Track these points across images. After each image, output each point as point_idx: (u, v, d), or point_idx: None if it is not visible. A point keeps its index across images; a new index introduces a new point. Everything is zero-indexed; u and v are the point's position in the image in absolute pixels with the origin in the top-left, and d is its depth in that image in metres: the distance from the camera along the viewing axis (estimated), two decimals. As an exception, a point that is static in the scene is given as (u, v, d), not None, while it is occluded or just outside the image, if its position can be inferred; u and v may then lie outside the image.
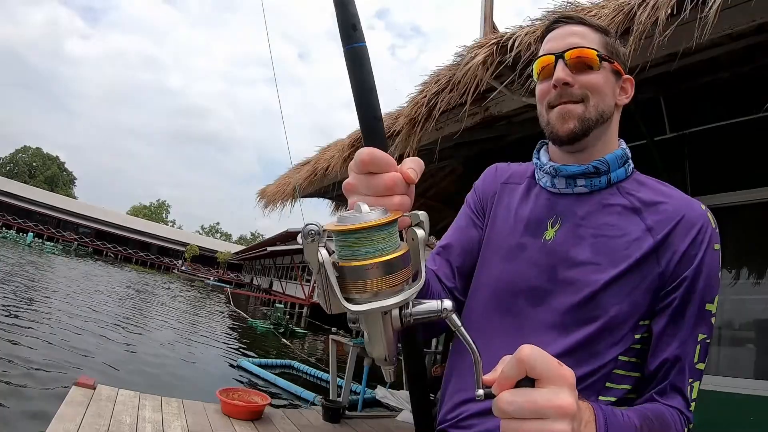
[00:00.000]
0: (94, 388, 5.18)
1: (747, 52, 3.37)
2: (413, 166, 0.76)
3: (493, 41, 3.54)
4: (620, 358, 1.09)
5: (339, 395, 7.19)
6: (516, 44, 3.31)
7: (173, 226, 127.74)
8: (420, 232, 0.73)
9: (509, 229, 1.28)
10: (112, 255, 75.01)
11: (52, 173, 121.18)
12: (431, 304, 0.75)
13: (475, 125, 4.50)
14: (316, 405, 8.18)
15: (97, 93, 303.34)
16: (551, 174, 1.24)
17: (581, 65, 1.17)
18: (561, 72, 1.16)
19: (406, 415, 6.81)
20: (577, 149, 1.21)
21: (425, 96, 4.19)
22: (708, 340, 1.08)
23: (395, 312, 0.71)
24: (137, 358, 10.75)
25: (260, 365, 11.67)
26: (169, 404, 5.45)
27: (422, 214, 0.74)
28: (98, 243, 76.01)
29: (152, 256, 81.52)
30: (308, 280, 32.54)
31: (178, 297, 31.05)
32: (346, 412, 6.41)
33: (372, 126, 0.83)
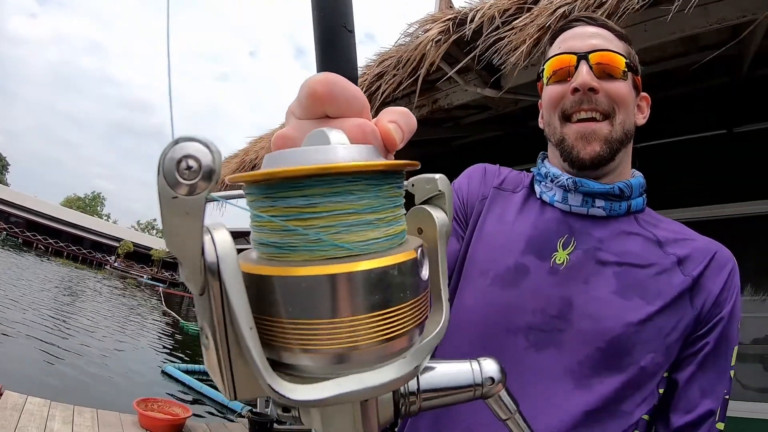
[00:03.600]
0: (1, 394, 4.84)
1: (704, 67, 3.34)
2: (396, 118, 0.39)
3: (449, 16, 3.05)
4: (643, 418, 0.92)
5: (268, 407, 6.82)
6: (477, 17, 2.86)
7: (108, 220, 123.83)
8: (440, 216, 0.41)
9: (504, 244, 1.05)
10: (42, 247, 72.10)
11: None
12: (458, 370, 0.48)
13: (421, 120, 3.94)
14: (243, 416, 7.88)
15: (38, 76, 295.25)
16: (566, 188, 1.04)
17: (606, 72, 1.00)
18: (586, 75, 0.98)
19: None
20: (599, 174, 1.03)
21: (365, 79, 3.66)
22: (728, 397, 0.94)
23: (386, 395, 0.43)
24: (55, 359, 10.26)
25: (186, 371, 11.20)
26: (82, 415, 5.15)
27: (441, 179, 0.43)
28: (29, 234, 72.93)
29: (84, 251, 78.57)
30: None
31: (107, 295, 29.98)
32: (275, 425, 6.11)
33: (336, 37, 0.41)
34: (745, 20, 2.27)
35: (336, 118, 0.37)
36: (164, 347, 15.53)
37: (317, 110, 0.37)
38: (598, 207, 1.02)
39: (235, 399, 0.33)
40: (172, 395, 8.81)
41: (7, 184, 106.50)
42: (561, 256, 0.99)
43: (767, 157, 3.49)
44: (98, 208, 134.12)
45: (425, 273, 0.36)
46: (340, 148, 0.32)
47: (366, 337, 0.31)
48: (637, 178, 1.07)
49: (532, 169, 1.17)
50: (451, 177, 1.20)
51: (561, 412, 0.89)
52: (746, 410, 3.51)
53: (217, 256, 0.29)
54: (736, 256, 1.01)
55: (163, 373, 11.34)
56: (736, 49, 3.08)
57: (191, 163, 0.26)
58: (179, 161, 0.26)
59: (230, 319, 0.30)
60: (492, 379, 0.48)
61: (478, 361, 0.49)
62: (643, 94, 1.09)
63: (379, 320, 0.31)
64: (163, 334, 19.00)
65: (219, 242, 0.30)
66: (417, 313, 0.34)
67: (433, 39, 3.01)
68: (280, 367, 0.32)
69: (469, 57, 2.97)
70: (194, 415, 5.87)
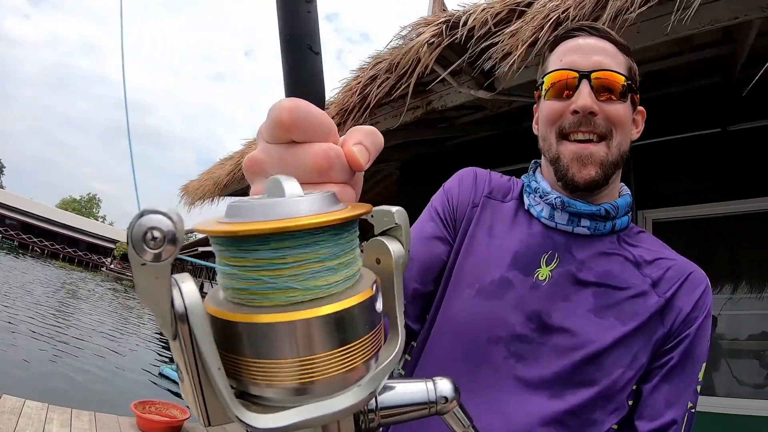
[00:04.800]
0: (-3, 399, 4.84)
1: (698, 67, 3.35)
2: (362, 139, 0.42)
3: (442, 19, 3.06)
4: (613, 427, 0.97)
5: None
6: (469, 20, 2.87)
7: (104, 222, 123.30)
8: (396, 248, 0.45)
9: (491, 258, 1.07)
10: (38, 250, 71.95)
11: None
12: (414, 389, 0.50)
13: (415, 121, 4.09)
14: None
15: (33, 77, 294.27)
16: (554, 206, 1.05)
17: (606, 91, 1.00)
18: (588, 98, 0.98)
19: None
20: (591, 195, 1.05)
21: (359, 82, 3.66)
22: (694, 411, 0.98)
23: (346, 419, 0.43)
24: (52, 363, 10.24)
25: (184, 373, 11.08)
26: (80, 418, 5.15)
27: (398, 212, 0.46)
28: (24, 236, 72.69)
29: (80, 253, 78.38)
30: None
31: (104, 297, 29.91)
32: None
33: (302, 59, 0.43)
34: (738, 21, 2.29)
35: (302, 143, 0.40)
36: (161, 349, 15.50)
37: (283, 137, 0.40)
38: (583, 226, 1.04)
39: (209, 425, 0.36)
40: (171, 397, 8.81)
41: (2, 186, 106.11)
42: (544, 273, 1.02)
43: (761, 154, 3.51)
44: (94, 210, 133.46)
45: (380, 306, 0.39)
46: (300, 202, 0.35)
47: (326, 372, 0.34)
48: (624, 197, 1.09)
49: (522, 178, 1.18)
50: (445, 178, 1.22)
51: (535, 418, 0.93)
52: (741, 407, 3.53)
53: (185, 308, 0.32)
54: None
55: (161, 374, 11.33)
56: (729, 49, 3.10)
57: (156, 234, 0.29)
58: (145, 233, 0.29)
59: (200, 359, 0.33)
60: (446, 398, 0.51)
61: (434, 381, 0.52)
62: (639, 108, 1.09)
63: (338, 356, 0.35)
64: (159, 335, 18.96)
65: (186, 294, 0.33)
66: (372, 345, 0.38)
67: (426, 42, 3.02)
68: (247, 396, 0.36)
69: (461, 60, 2.98)
70: (189, 418, 5.85)
